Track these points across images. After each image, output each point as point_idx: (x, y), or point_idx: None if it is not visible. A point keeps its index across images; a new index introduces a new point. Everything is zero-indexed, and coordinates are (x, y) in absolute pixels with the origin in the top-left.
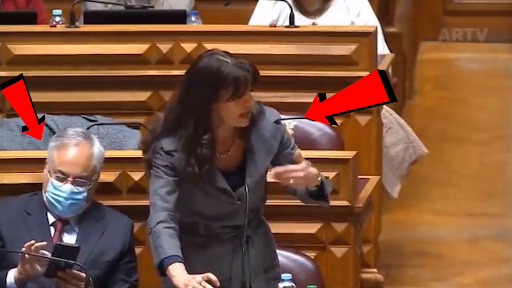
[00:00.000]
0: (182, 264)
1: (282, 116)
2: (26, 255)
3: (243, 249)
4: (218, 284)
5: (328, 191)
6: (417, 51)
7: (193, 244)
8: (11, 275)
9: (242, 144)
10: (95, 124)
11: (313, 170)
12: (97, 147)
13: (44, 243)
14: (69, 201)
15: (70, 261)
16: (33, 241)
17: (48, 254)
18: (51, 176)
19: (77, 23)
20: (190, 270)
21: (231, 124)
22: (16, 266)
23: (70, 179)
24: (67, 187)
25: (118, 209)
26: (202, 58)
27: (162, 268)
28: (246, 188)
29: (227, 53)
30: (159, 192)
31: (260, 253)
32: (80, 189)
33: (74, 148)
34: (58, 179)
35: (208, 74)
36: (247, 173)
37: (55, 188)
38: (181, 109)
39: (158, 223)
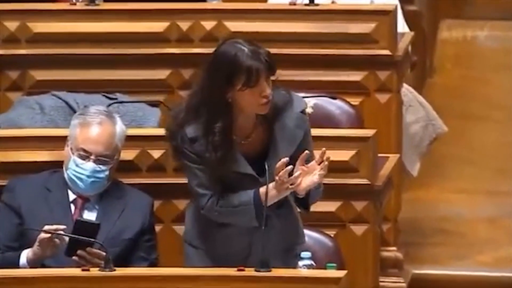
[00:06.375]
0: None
1: (302, 95)
2: (44, 238)
3: (262, 228)
4: None
5: (312, 202)
6: (437, 29)
7: (213, 222)
8: (24, 256)
9: (265, 131)
10: (115, 102)
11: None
12: (119, 126)
13: (63, 226)
14: (91, 179)
15: (91, 239)
16: (52, 226)
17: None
18: (73, 153)
19: (97, 1)
20: (210, 249)
21: (251, 111)
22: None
23: (92, 157)
24: (90, 165)
25: (137, 187)
26: (223, 44)
27: (259, 201)
28: (267, 175)
29: (249, 41)
30: (203, 183)
31: (280, 233)
32: (102, 167)
33: (97, 126)
34: (81, 157)
35: (223, 61)
36: (267, 161)
37: (77, 165)
38: (200, 96)
39: (217, 204)
